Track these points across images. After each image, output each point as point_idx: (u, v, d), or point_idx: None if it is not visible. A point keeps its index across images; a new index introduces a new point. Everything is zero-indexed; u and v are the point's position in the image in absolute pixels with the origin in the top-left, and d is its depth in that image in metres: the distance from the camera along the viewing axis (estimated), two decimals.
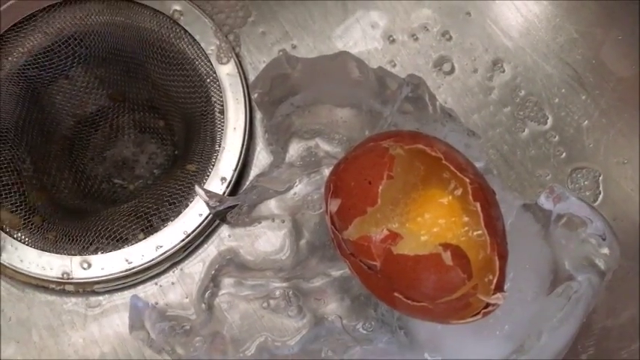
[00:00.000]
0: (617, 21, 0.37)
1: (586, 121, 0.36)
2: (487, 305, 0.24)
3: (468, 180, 0.25)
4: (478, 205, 0.24)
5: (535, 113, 0.36)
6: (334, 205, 0.26)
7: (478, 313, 0.25)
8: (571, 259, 0.27)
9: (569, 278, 0.27)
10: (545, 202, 0.28)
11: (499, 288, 0.24)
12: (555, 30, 0.37)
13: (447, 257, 0.23)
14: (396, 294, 0.24)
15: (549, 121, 0.36)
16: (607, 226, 0.27)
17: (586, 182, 0.35)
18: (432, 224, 0.25)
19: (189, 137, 0.41)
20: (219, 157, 0.37)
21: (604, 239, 0.27)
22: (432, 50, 0.37)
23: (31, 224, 0.37)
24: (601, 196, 0.35)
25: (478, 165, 0.30)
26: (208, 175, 0.37)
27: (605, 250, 0.27)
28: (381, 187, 0.24)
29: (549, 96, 0.36)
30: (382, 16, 0.38)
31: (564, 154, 0.36)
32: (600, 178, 0.35)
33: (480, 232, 0.24)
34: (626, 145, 0.35)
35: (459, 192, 0.25)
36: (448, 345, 0.28)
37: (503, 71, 0.37)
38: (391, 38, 0.38)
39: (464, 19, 0.37)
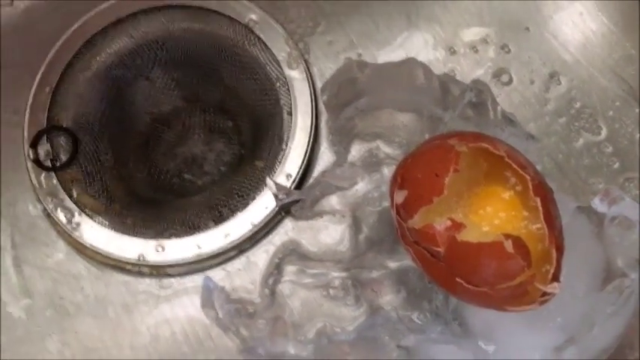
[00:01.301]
0: None
1: (639, 134, 0.37)
2: (544, 294, 0.26)
3: (528, 177, 0.26)
4: (538, 200, 0.26)
5: (590, 124, 0.38)
6: (400, 197, 0.28)
7: (534, 302, 0.26)
8: (624, 258, 0.28)
9: (621, 275, 0.28)
10: (599, 204, 0.30)
11: (556, 278, 0.26)
12: (611, 46, 0.39)
13: (509, 245, 0.25)
14: (457, 279, 0.26)
15: (603, 132, 0.38)
16: None
17: (637, 191, 0.36)
18: (493, 217, 0.27)
19: (257, 137, 0.43)
20: (285, 155, 0.40)
21: None
22: (490, 62, 0.40)
23: (111, 210, 0.40)
24: None
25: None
26: (275, 172, 0.40)
27: None
28: (447, 179, 0.26)
29: (604, 109, 0.38)
30: (444, 29, 0.40)
31: (617, 164, 0.37)
32: None
33: (539, 225, 0.26)
34: None
35: (519, 188, 0.27)
36: (501, 335, 0.29)
37: (560, 83, 0.39)
38: (452, 49, 0.40)
39: (523, 33, 0.39)
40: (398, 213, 0.29)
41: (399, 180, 0.29)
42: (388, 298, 0.36)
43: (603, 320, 0.27)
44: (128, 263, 0.39)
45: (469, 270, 0.26)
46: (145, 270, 0.39)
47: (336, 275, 0.36)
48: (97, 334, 0.38)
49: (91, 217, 0.40)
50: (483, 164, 0.28)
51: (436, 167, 0.27)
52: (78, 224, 0.39)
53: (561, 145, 0.38)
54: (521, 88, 0.39)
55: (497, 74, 0.39)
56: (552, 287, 0.26)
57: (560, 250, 0.26)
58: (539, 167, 0.33)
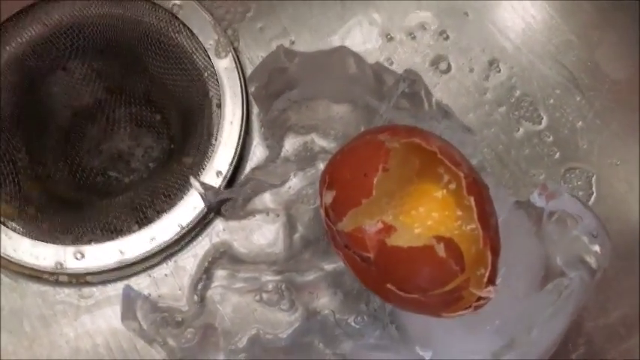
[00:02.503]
0: (612, 24, 0.37)
1: (580, 122, 0.36)
2: (479, 299, 0.25)
3: (462, 174, 0.25)
4: (472, 199, 0.24)
5: (530, 113, 0.37)
6: (329, 197, 0.26)
7: (470, 307, 0.25)
8: (563, 256, 0.27)
9: (560, 274, 0.27)
10: (537, 199, 0.29)
11: (491, 282, 0.24)
12: (551, 31, 0.38)
13: (441, 249, 0.24)
14: (388, 285, 0.25)
15: (544, 122, 0.37)
16: (599, 224, 0.27)
17: (579, 182, 0.35)
18: (425, 217, 0.25)
19: (186, 131, 0.41)
20: (215, 150, 0.37)
21: (595, 236, 0.27)
22: (429, 49, 0.38)
23: (26, 214, 0.37)
24: (594, 197, 0.35)
25: (472, 162, 0.30)
26: (204, 169, 0.37)
27: (597, 248, 0.27)
28: (376, 179, 0.24)
29: (544, 97, 0.37)
30: (380, 15, 0.38)
31: (558, 154, 0.36)
32: (593, 178, 0.35)
33: (473, 226, 0.25)
34: (619, 147, 0.36)
35: (453, 186, 0.25)
36: (439, 339, 0.28)
37: (499, 71, 0.37)
38: (389, 36, 0.38)
39: (462, 19, 0.38)
40: (327, 215, 0.27)
41: (328, 179, 0.27)
42: (324, 301, 0.34)
43: (542, 322, 0.26)
44: (45, 272, 0.36)
45: (400, 276, 0.24)
46: (64, 279, 0.36)
47: (270, 279, 0.34)
48: (11, 349, 0.35)
49: (2, 223, 0.36)
50: (415, 161, 0.26)
51: (365, 166, 0.25)
52: None
53: (501, 135, 0.36)
54: (459, 76, 0.37)
55: (435, 62, 0.37)
56: (487, 292, 0.24)
57: (495, 251, 0.25)
58: (478, 159, 0.32)
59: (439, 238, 0.24)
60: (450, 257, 0.24)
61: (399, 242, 0.25)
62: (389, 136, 0.26)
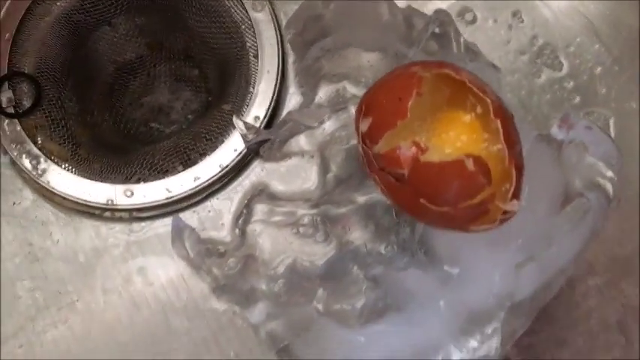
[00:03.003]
0: None
1: (599, 69, 0.38)
2: (504, 212, 0.27)
3: (489, 100, 0.27)
4: (498, 122, 0.27)
5: (551, 61, 0.39)
6: (365, 125, 0.29)
7: (495, 221, 0.27)
8: (580, 180, 0.29)
9: (578, 196, 0.29)
10: (558, 132, 0.31)
11: (515, 197, 0.27)
12: None
13: (470, 163, 0.26)
14: (421, 200, 0.27)
15: (564, 69, 0.39)
16: (615, 151, 0.29)
17: (598, 124, 0.37)
18: (455, 140, 0.28)
19: (224, 81, 0.43)
20: (253, 97, 0.40)
21: (612, 164, 0.29)
22: (455, 1, 0.40)
23: (78, 156, 0.40)
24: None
25: None
26: (243, 115, 0.40)
27: (611, 174, 0.29)
28: (410, 102, 0.27)
29: (565, 45, 0.39)
30: None
31: (578, 99, 0.38)
32: (611, 120, 0.37)
33: (499, 146, 0.27)
34: (636, 91, 0.38)
35: (480, 111, 0.28)
36: (465, 258, 0.30)
37: (522, 22, 0.39)
38: None
39: None
40: (363, 141, 0.29)
41: (364, 108, 0.29)
42: (357, 234, 0.36)
43: (561, 239, 0.28)
44: (97, 208, 0.39)
45: (432, 190, 0.27)
46: (115, 214, 0.39)
47: (305, 213, 0.37)
48: (67, 278, 0.38)
49: (57, 164, 0.39)
50: (446, 90, 0.28)
51: (399, 92, 0.27)
52: (44, 171, 0.39)
53: (524, 81, 0.38)
54: (484, 26, 0.39)
55: (461, 13, 0.39)
56: (512, 205, 0.26)
57: (519, 169, 0.27)
58: (502, 96, 0.34)
59: (468, 155, 0.26)
60: (479, 171, 0.26)
61: (432, 159, 0.27)
62: (420, 68, 0.28)
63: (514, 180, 0.27)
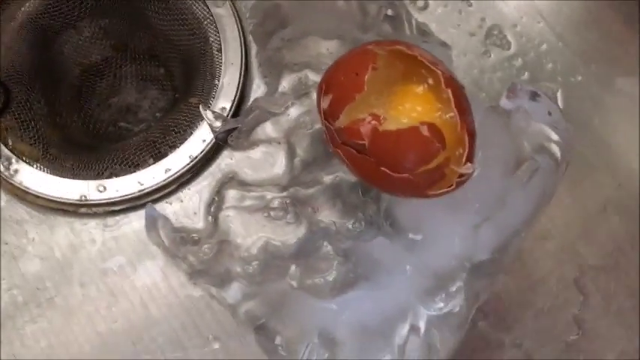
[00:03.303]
0: None
1: (544, 46, 0.41)
2: (460, 176, 0.29)
3: (440, 72, 0.29)
4: (449, 91, 0.29)
5: (500, 41, 0.41)
6: (326, 102, 0.30)
7: (452, 184, 0.29)
8: (530, 143, 0.31)
9: (528, 158, 0.31)
10: (506, 102, 0.33)
11: (469, 160, 0.29)
12: None
13: (424, 130, 0.28)
14: (382, 168, 0.29)
15: (512, 47, 0.41)
16: (560, 115, 0.32)
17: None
18: (410, 110, 0.30)
19: (190, 77, 0.44)
20: (218, 90, 0.41)
21: (559, 128, 0.31)
22: None
23: (49, 155, 0.41)
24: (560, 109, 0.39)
25: None
26: (210, 107, 0.41)
27: (557, 137, 0.31)
28: (367, 76, 0.28)
29: (511, 25, 0.41)
30: None
31: (526, 75, 0.40)
32: (558, 93, 0.40)
33: (451, 114, 0.29)
34: (580, 65, 0.40)
35: (432, 82, 0.29)
36: (427, 224, 0.32)
37: (471, 5, 0.42)
38: None
39: None
40: (325, 118, 0.31)
41: (324, 87, 0.31)
42: (325, 213, 0.38)
43: (514, 199, 0.30)
44: (71, 205, 0.39)
45: (392, 158, 0.28)
46: (89, 210, 0.40)
47: (275, 196, 0.38)
48: (45, 274, 0.39)
49: (28, 164, 0.40)
50: (399, 65, 0.30)
51: (356, 68, 0.29)
52: (16, 171, 0.40)
53: (475, 61, 0.41)
54: (436, 12, 0.41)
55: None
56: (466, 168, 0.28)
57: (471, 135, 0.29)
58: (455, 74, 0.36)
59: (423, 122, 0.28)
60: (433, 136, 0.28)
61: (389, 127, 0.29)
62: (375, 46, 0.30)
63: (467, 144, 0.28)
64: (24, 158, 0.40)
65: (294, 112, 0.40)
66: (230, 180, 0.40)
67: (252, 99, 0.42)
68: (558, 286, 0.37)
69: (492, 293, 0.35)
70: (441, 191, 0.29)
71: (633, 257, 0.37)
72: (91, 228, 0.39)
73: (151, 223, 0.37)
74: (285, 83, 0.41)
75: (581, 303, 0.36)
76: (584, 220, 0.38)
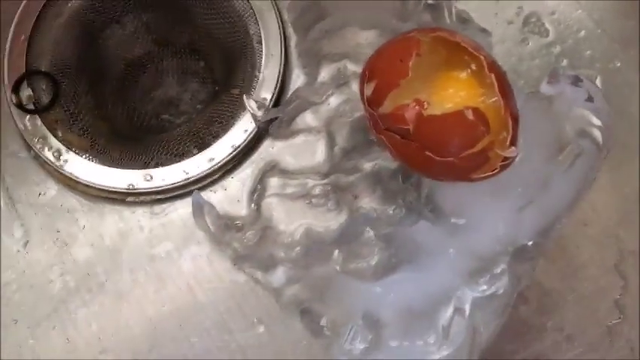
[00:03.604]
0: None
1: (582, 32, 0.41)
2: (504, 159, 0.29)
3: (482, 57, 0.29)
4: (493, 76, 0.29)
5: (538, 28, 0.41)
6: (370, 89, 0.31)
7: (496, 168, 0.30)
8: (572, 127, 0.32)
9: (570, 143, 0.31)
10: (547, 88, 0.33)
11: (513, 144, 0.29)
12: None
13: (469, 114, 0.28)
14: (426, 153, 0.29)
15: (550, 35, 0.41)
16: (602, 99, 0.32)
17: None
18: (454, 96, 0.30)
19: (230, 69, 0.45)
20: (259, 81, 0.42)
21: (600, 113, 0.32)
22: None
23: (97, 146, 0.42)
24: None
25: None
26: (251, 96, 0.42)
27: (599, 122, 0.31)
28: (411, 63, 0.29)
29: (549, 12, 0.41)
30: None
31: (565, 62, 0.40)
32: (597, 80, 0.40)
33: (495, 98, 0.29)
34: (619, 50, 0.40)
35: (475, 67, 0.30)
36: (470, 209, 0.33)
37: None
38: None
39: None
40: (369, 105, 0.31)
41: (367, 74, 0.31)
42: (366, 200, 0.39)
43: (557, 183, 0.31)
44: (119, 193, 0.41)
45: (436, 142, 0.29)
46: (136, 198, 0.41)
47: (316, 184, 0.39)
48: (95, 260, 0.40)
49: (78, 154, 0.42)
50: (442, 51, 0.31)
51: (400, 54, 0.30)
52: (66, 161, 0.41)
53: (513, 49, 0.41)
54: (474, 1, 0.42)
55: None
56: (510, 151, 0.29)
57: (515, 118, 0.29)
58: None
59: (467, 107, 0.29)
60: (477, 120, 0.28)
61: (434, 112, 0.29)
62: (417, 33, 0.31)
63: (510, 128, 0.29)
64: (73, 149, 0.42)
65: (333, 101, 0.40)
66: (272, 168, 0.41)
67: (292, 89, 0.42)
68: (599, 271, 0.37)
69: (533, 278, 0.35)
70: (485, 175, 0.30)
71: None
72: (139, 215, 0.41)
73: (198, 210, 0.38)
74: (325, 73, 0.42)
75: (622, 288, 0.36)
76: (624, 206, 0.38)
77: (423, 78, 0.30)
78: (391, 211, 0.37)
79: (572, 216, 0.36)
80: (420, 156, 0.30)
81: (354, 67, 0.42)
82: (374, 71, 0.31)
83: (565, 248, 0.37)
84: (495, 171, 0.29)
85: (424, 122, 0.29)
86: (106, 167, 0.41)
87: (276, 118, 0.40)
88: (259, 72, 0.42)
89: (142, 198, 0.41)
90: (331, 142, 0.40)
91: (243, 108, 0.41)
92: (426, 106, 0.29)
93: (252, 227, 0.39)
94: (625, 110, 0.39)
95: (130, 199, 0.41)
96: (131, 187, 0.40)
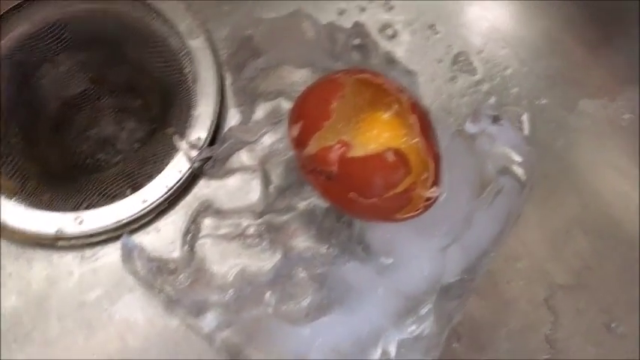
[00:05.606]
0: None
1: (509, 70, 0.42)
2: (426, 199, 0.30)
3: (405, 98, 0.30)
4: (414, 117, 0.30)
5: (467, 67, 0.42)
6: (296, 130, 0.31)
7: (419, 208, 0.30)
8: (493, 165, 0.32)
9: (493, 180, 0.32)
10: (471, 126, 0.34)
11: (435, 184, 0.30)
12: None
13: (390, 155, 0.29)
14: (350, 195, 0.29)
15: (478, 73, 0.42)
16: (521, 138, 0.33)
17: (511, 120, 0.41)
18: (377, 137, 0.30)
19: (167, 107, 0.45)
20: (194, 120, 0.42)
21: (521, 150, 0.32)
22: (377, 17, 0.43)
23: (27, 188, 0.41)
24: (526, 131, 0.41)
25: None
26: (186, 136, 0.41)
27: (520, 159, 0.32)
28: (334, 105, 0.29)
29: (477, 51, 0.43)
30: None
31: (493, 99, 0.41)
32: (524, 116, 0.41)
33: (417, 139, 0.30)
34: (545, 88, 0.42)
35: (398, 108, 0.30)
36: (397, 248, 0.33)
37: (438, 33, 0.43)
38: (340, 9, 0.43)
39: None
40: (296, 146, 0.31)
41: (294, 115, 0.31)
42: (300, 239, 0.38)
43: (480, 220, 0.31)
44: (48, 238, 0.40)
45: (360, 184, 0.29)
46: (66, 243, 0.40)
47: (250, 223, 0.39)
48: (22, 308, 0.39)
49: (6, 197, 0.40)
50: (366, 93, 0.31)
51: (324, 96, 0.30)
52: None
53: (443, 87, 0.42)
54: (404, 40, 0.43)
55: (382, 29, 0.43)
56: (432, 192, 0.29)
57: (437, 159, 0.30)
58: (423, 103, 0.37)
59: (388, 148, 0.29)
60: (399, 161, 0.29)
61: (357, 154, 0.29)
62: (342, 74, 0.31)
63: (432, 169, 0.29)
64: (1, 192, 0.40)
65: (268, 139, 0.40)
66: (206, 209, 0.40)
67: (227, 127, 0.42)
68: (529, 305, 0.37)
69: (466, 314, 0.36)
70: (408, 215, 0.30)
71: (601, 275, 0.38)
72: (69, 261, 0.40)
73: (127, 254, 0.37)
74: (260, 111, 0.42)
75: (552, 323, 0.37)
76: (552, 240, 0.39)
77: (347, 119, 0.31)
78: (325, 250, 0.37)
79: (501, 251, 0.36)
80: (345, 197, 0.30)
81: (288, 105, 0.42)
82: (300, 113, 0.31)
83: (496, 284, 0.37)
84: (418, 211, 0.30)
85: (347, 164, 0.29)
86: (35, 210, 0.40)
87: (210, 158, 0.40)
88: (194, 111, 0.42)
89: (72, 242, 0.40)
90: (266, 181, 0.40)
91: (177, 148, 0.40)
92: (349, 148, 0.29)
93: (185, 270, 0.38)
94: (551, 146, 0.40)
95: (60, 243, 0.40)
96: (61, 231, 0.39)
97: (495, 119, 0.33)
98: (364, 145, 0.30)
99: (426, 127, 0.30)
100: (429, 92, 0.41)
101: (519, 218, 0.35)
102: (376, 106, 0.31)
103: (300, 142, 0.31)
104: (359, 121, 0.31)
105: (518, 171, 0.33)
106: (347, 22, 0.42)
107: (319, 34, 0.38)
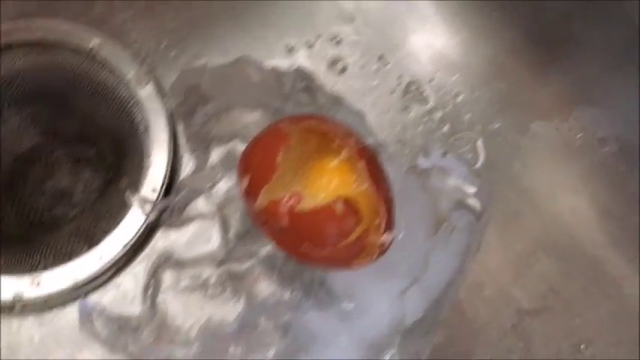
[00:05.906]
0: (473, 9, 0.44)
1: (461, 97, 0.42)
2: (380, 245, 0.29)
3: (352, 144, 0.30)
4: (363, 162, 0.29)
5: (418, 96, 0.42)
6: (245, 183, 0.31)
7: (374, 253, 0.29)
8: (447, 200, 0.32)
9: (448, 217, 0.32)
10: (423, 161, 0.34)
11: (388, 229, 0.29)
12: (424, 20, 0.44)
13: (339, 205, 0.28)
14: (304, 245, 0.29)
15: (430, 101, 0.42)
16: (470, 169, 0.32)
17: (467, 147, 0.41)
18: (327, 185, 0.30)
19: (121, 156, 0.44)
20: (148, 170, 0.41)
21: (474, 182, 0.32)
22: (325, 52, 0.43)
23: None
24: (481, 157, 0.41)
25: (370, 141, 0.35)
26: (140, 187, 0.41)
27: (473, 190, 0.32)
28: (280, 157, 0.29)
29: (428, 80, 0.43)
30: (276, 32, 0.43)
31: (447, 127, 0.41)
32: (479, 142, 0.41)
33: (366, 185, 0.29)
34: (497, 112, 0.42)
35: (346, 155, 0.30)
36: (358, 292, 0.32)
37: (388, 64, 0.43)
38: (289, 47, 0.43)
39: (348, 24, 0.43)
40: (246, 198, 0.31)
41: (242, 167, 0.31)
42: (263, 285, 0.38)
43: (437, 258, 0.31)
44: (6, 305, 0.38)
45: (312, 236, 0.29)
46: (24, 307, 0.39)
47: (212, 273, 0.38)
48: None
49: None
50: (313, 140, 0.31)
51: (270, 148, 0.30)
52: None
53: (396, 118, 0.42)
54: (355, 73, 0.42)
55: (332, 64, 0.43)
56: (385, 237, 0.29)
57: (388, 203, 0.29)
58: (375, 139, 0.37)
59: (337, 198, 0.29)
60: (348, 211, 0.28)
61: (307, 207, 0.29)
62: (288, 123, 0.31)
63: (384, 213, 0.29)
64: None
65: (224, 185, 0.40)
66: (165, 261, 0.39)
67: (183, 174, 0.42)
68: (498, 333, 0.37)
69: (435, 349, 0.35)
70: (364, 262, 0.30)
71: (566, 297, 0.38)
72: (28, 326, 0.39)
73: (86, 317, 0.36)
74: (215, 155, 0.42)
75: (522, 349, 0.37)
76: (516, 264, 0.39)
77: (295, 170, 0.30)
78: (288, 295, 0.37)
79: (466, 280, 0.36)
80: (298, 248, 0.29)
81: (243, 147, 0.41)
82: (247, 166, 0.31)
83: (463, 314, 0.37)
84: (374, 257, 0.29)
85: (297, 217, 0.29)
86: None
87: (166, 209, 0.39)
88: (148, 160, 0.41)
89: (30, 307, 0.39)
90: (225, 227, 0.40)
91: (130, 204, 0.39)
92: (299, 200, 0.29)
93: (148, 326, 0.37)
94: (507, 169, 0.40)
95: (16, 309, 0.39)
96: (17, 296, 0.38)
97: (444, 154, 0.33)
98: (314, 196, 0.30)
99: (375, 170, 0.30)
100: (384, 124, 0.41)
101: (480, 245, 0.35)
102: (323, 154, 0.31)
103: (249, 195, 0.31)
104: (307, 170, 0.31)
105: (474, 202, 0.32)
106: (296, 60, 0.42)
107: (265, 78, 0.37)
